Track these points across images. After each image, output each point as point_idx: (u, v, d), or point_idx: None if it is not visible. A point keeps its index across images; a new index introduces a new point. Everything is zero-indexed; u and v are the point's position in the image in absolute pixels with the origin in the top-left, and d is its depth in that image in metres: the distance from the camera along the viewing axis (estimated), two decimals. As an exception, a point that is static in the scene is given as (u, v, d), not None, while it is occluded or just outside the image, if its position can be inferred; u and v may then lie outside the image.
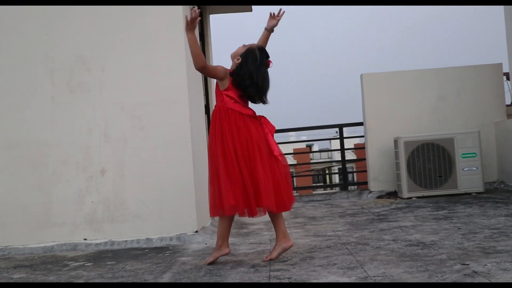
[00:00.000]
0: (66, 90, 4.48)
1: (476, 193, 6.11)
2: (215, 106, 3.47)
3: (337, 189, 8.97)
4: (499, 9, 6.82)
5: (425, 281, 2.56)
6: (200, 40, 5.68)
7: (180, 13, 4.45)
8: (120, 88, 4.46)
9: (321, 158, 37.11)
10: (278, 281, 2.81)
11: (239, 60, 3.37)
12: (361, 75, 7.06)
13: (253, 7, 6.48)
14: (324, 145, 42.86)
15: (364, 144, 7.35)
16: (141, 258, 3.77)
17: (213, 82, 6.25)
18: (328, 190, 8.77)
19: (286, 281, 2.80)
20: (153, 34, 4.46)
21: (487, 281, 2.48)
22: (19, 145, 4.47)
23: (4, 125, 4.49)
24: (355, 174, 24.28)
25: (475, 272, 2.65)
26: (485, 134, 6.61)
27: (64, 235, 4.41)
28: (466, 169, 6.13)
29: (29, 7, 4.49)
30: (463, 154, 6.15)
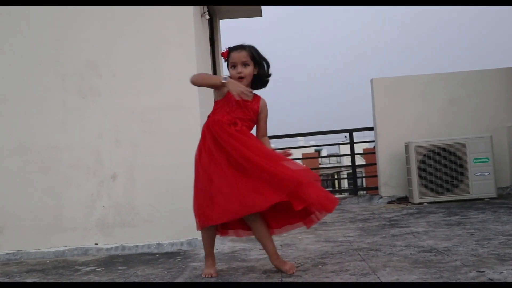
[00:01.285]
0: (77, 95, 4.49)
1: (488, 198, 6.06)
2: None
3: (346, 194, 8.94)
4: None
5: (440, 288, 2.53)
6: (210, 45, 5.69)
7: (190, 18, 4.45)
8: (131, 93, 4.47)
9: (329, 163, 37.02)
10: None
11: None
12: (371, 80, 7.03)
13: (263, 12, 6.48)
14: (333, 150, 42.80)
15: (373, 149, 7.32)
16: (152, 263, 3.76)
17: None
18: (338, 195, 8.73)
19: None
20: (163, 39, 4.46)
21: (503, 288, 2.45)
22: (31, 150, 4.49)
23: (16, 130, 4.51)
24: (364, 179, 24.13)
25: (491, 279, 2.62)
26: (497, 139, 6.56)
27: (75, 239, 4.41)
28: (478, 174, 6.08)
29: (41, 11, 4.51)
30: (475, 159, 6.10)
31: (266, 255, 3.70)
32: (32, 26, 4.54)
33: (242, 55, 3.16)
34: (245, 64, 3.17)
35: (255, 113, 3.24)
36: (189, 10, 4.46)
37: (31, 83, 4.52)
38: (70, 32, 4.52)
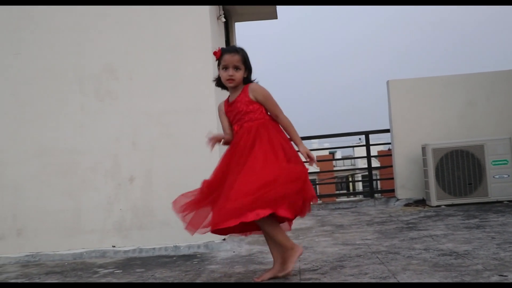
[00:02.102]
0: (95, 99, 4.53)
1: (508, 201, 5.98)
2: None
3: (361, 196, 8.89)
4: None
5: (462, 292, 2.50)
6: (226, 47, 5.69)
7: (207, 21, 4.46)
8: (148, 96, 4.49)
9: (344, 166, 36.86)
10: (309, 290, 2.77)
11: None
12: (387, 82, 6.99)
13: (278, 14, 6.48)
14: (347, 152, 42.62)
15: (388, 151, 7.27)
16: (170, 266, 3.77)
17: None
18: (353, 198, 8.69)
19: (318, 290, 2.76)
20: (180, 43, 4.48)
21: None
22: (50, 153, 4.53)
23: (35, 134, 4.55)
24: (378, 181, 23.97)
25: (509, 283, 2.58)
26: (516, 141, 6.47)
27: (93, 242, 4.44)
28: (497, 176, 6.01)
29: (59, 16, 4.56)
30: (493, 161, 6.03)
31: (284, 258, 3.69)
32: (51, 30, 4.58)
33: (235, 59, 3.17)
34: (236, 68, 3.18)
35: (245, 103, 3.19)
36: (205, 13, 4.48)
37: (50, 87, 4.57)
38: (88, 36, 4.56)
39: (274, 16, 6.59)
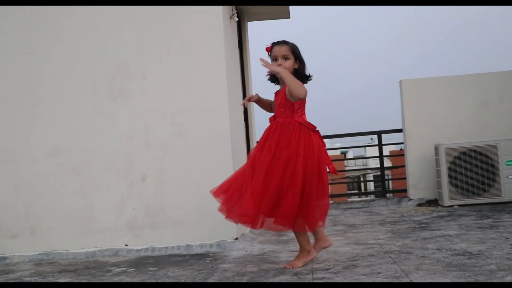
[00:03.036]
0: (108, 98, 4.55)
1: (521, 201, 5.93)
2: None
3: (373, 196, 8.85)
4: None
5: (476, 292, 2.48)
6: (238, 47, 5.70)
7: (220, 20, 4.47)
8: (161, 95, 4.51)
9: (355, 165, 36.73)
10: (322, 289, 2.77)
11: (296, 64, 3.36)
12: (400, 81, 6.95)
13: (291, 14, 6.47)
14: (358, 152, 42.45)
15: (400, 151, 7.24)
16: (182, 265, 3.78)
17: (251, 89, 6.26)
18: (365, 198, 8.66)
19: (331, 289, 2.76)
20: (193, 42, 4.49)
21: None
22: (63, 152, 4.57)
23: (49, 133, 4.59)
24: (390, 181, 23.87)
25: (528, 283, 2.56)
26: (530, 141, 6.41)
27: (105, 240, 4.47)
28: (510, 176, 5.96)
29: (73, 16, 4.59)
30: (507, 161, 5.98)
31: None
32: (64, 30, 4.62)
33: (283, 49, 3.31)
34: (285, 58, 3.31)
35: (283, 97, 3.34)
36: (218, 13, 4.48)
37: (63, 86, 4.60)
38: (101, 36, 4.58)
39: (287, 16, 6.58)
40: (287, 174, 3.21)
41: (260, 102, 3.64)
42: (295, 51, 3.32)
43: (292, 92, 3.22)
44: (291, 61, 3.28)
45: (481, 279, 2.71)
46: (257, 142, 3.54)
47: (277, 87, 3.52)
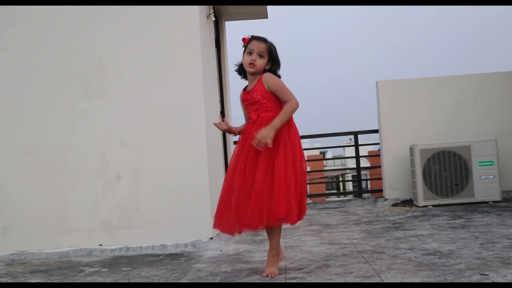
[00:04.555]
0: (84, 97, 4.51)
1: (493, 201, 6.04)
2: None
3: (351, 196, 8.93)
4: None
5: (444, 291, 2.53)
6: (216, 47, 5.70)
7: (196, 20, 4.47)
8: (137, 95, 4.48)
9: (334, 165, 36.95)
10: (294, 289, 2.79)
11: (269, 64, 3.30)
12: (377, 83, 7.03)
13: (269, 14, 6.49)
14: (338, 152, 42.74)
15: (378, 151, 7.31)
16: (156, 265, 3.77)
17: (229, 89, 6.26)
18: (342, 198, 8.73)
19: (302, 289, 2.78)
20: (170, 41, 4.48)
21: (507, 292, 2.44)
22: (37, 151, 4.51)
23: (22, 131, 4.53)
24: (368, 181, 24.06)
25: (494, 282, 2.61)
26: (502, 142, 6.54)
27: (79, 240, 4.43)
28: (483, 177, 6.07)
29: (47, 13, 4.54)
30: (480, 162, 6.08)
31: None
32: (40, 27, 4.56)
33: (262, 46, 3.25)
34: (260, 55, 3.25)
35: (261, 93, 3.22)
36: (194, 12, 4.48)
37: (37, 84, 4.55)
38: (77, 34, 4.54)
39: (265, 16, 6.60)
40: (296, 167, 3.17)
41: (231, 131, 3.44)
42: (271, 52, 3.29)
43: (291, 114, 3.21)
44: (264, 60, 3.25)
45: (450, 278, 2.76)
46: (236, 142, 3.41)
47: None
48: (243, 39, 3.32)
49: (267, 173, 3.10)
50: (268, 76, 3.23)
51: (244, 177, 3.15)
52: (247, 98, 3.31)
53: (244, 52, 3.30)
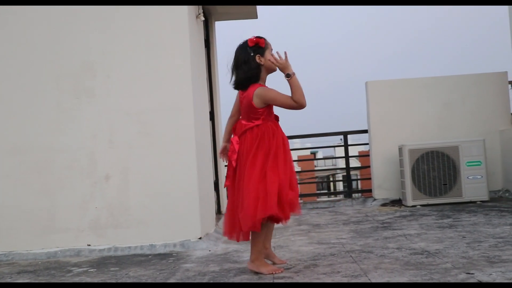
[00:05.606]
0: (72, 96, 4.49)
1: (481, 201, 6.08)
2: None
3: (341, 196, 8.96)
4: (506, 19, 6.81)
5: (430, 290, 2.55)
6: (205, 47, 5.70)
7: (185, 19, 4.47)
8: (126, 94, 4.47)
9: (325, 166, 37.03)
10: (281, 288, 2.80)
11: None
12: (366, 83, 7.05)
13: (258, 14, 6.49)
14: (329, 152, 42.84)
15: (368, 151, 7.34)
16: (145, 265, 3.76)
17: (218, 89, 6.26)
18: (332, 198, 8.75)
19: (290, 288, 2.79)
20: (159, 41, 4.47)
21: (492, 290, 2.47)
22: (25, 151, 4.49)
23: (10, 131, 4.50)
24: (359, 181, 24.11)
25: (480, 281, 2.64)
26: (490, 142, 6.59)
27: (68, 240, 4.41)
28: (471, 177, 6.11)
29: (36, 13, 4.52)
30: (468, 162, 6.13)
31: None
32: (27, 26, 4.54)
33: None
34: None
35: (249, 101, 3.20)
36: (184, 12, 4.47)
37: (25, 83, 4.52)
38: (65, 33, 4.52)
39: (254, 16, 6.60)
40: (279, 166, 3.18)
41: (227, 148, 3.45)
42: None
43: (297, 99, 3.14)
44: None
45: (436, 277, 2.78)
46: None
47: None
48: (261, 41, 3.24)
49: (240, 182, 3.19)
50: (261, 91, 3.21)
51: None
52: (241, 98, 3.29)
53: (262, 53, 3.22)
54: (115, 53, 4.49)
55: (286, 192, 3.11)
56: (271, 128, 3.23)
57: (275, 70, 3.27)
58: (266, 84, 3.30)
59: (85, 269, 3.75)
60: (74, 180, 4.46)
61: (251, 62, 3.21)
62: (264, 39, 3.28)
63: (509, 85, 7.01)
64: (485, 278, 2.68)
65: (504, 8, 6.50)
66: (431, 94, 6.87)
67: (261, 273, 3.15)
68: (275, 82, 3.40)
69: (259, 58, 3.21)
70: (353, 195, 7.83)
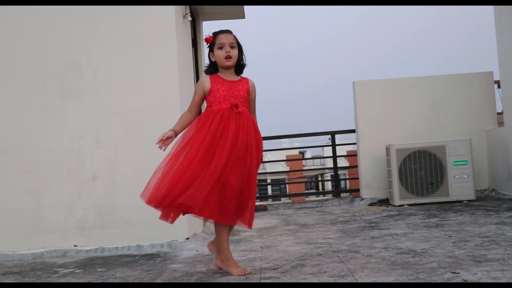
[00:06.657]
0: (58, 96, 4.46)
1: (467, 200, 6.13)
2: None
3: (329, 196, 8.98)
4: (491, 19, 6.86)
5: (416, 290, 2.56)
6: (192, 46, 5.69)
7: (172, 19, 4.45)
8: (112, 94, 4.45)
9: (313, 165, 37.15)
10: (268, 289, 2.80)
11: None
12: (353, 83, 7.08)
13: (246, 14, 6.49)
14: (317, 151, 42.99)
15: (356, 151, 7.37)
16: (132, 265, 3.75)
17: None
18: (321, 197, 8.77)
19: (277, 289, 2.79)
20: (145, 40, 4.46)
21: (477, 289, 2.48)
22: (11, 151, 4.45)
23: (-5, 131, 4.46)
24: (347, 181, 24.18)
25: (465, 281, 2.66)
26: (476, 142, 6.65)
27: (54, 241, 4.38)
28: (457, 176, 6.16)
29: (22, 12, 4.48)
30: (454, 161, 6.17)
31: (245, 257, 3.73)
32: (13, 26, 4.50)
33: (231, 37, 3.27)
34: (232, 46, 3.26)
35: (247, 92, 3.28)
36: (170, 12, 4.46)
37: (11, 83, 4.48)
38: (52, 33, 4.49)
39: (242, 16, 6.61)
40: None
41: (171, 138, 3.47)
42: (238, 42, 3.32)
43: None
44: (236, 50, 3.27)
45: (422, 276, 2.80)
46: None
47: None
48: (206, 39, 3.31)
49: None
50: (254, 86, 3.35)
51: None
52: (228, 87, 3.25)
53: (213, 50, 3.27)
54: (102, 53, 4.47)
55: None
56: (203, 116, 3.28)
57: (224, 66, 3.27)
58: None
59: (71, 270, 3.73)
60: (61, 181, 4.43)
61: (209, 59, 3.34)
62: (213, 35, 3.30)
63: (495, 85, 7.07)
64: (470, 278, 2.70)
65: (489, 8, 6.54)
66: (418, 94, 6.92)
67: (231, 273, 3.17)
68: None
69: (212, 55, 3.30)
70: (341, 194, 7.86)
